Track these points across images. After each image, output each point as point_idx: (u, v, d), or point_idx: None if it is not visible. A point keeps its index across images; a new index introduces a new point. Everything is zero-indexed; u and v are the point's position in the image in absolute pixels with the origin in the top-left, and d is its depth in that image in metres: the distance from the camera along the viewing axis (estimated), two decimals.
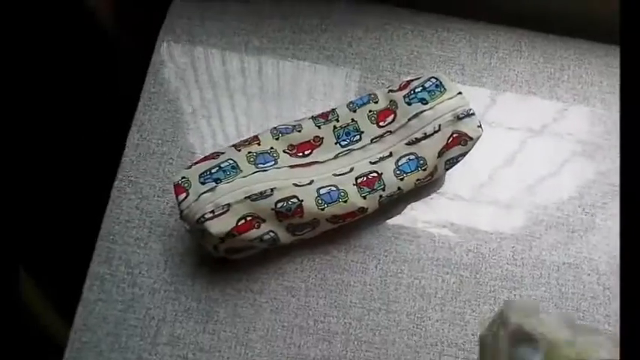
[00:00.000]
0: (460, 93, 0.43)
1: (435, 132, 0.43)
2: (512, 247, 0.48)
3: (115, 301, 0.45)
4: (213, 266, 0.46)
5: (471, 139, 0.44)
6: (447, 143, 0.44)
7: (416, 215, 0.49)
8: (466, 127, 0.43)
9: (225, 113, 0.51)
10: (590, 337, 0.30)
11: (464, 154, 0.45)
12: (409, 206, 0.49)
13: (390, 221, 0.48)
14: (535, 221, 0.49)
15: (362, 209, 0.43)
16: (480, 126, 0.44)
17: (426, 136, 0.43)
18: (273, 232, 0.42)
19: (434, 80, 0.44)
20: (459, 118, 0.43)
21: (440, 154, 0.44)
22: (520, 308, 0.33)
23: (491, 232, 0.49)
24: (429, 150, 0.43)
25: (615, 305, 0.47)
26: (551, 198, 0.50)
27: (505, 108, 0.53)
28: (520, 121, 0.52)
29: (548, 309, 0.47)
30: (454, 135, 0.44)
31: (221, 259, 0.45)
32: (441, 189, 0.50)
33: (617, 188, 0.50)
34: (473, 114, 0.43)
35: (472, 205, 0.50)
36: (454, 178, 0.50)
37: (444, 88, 0.43)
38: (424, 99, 0.43)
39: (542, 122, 0.52)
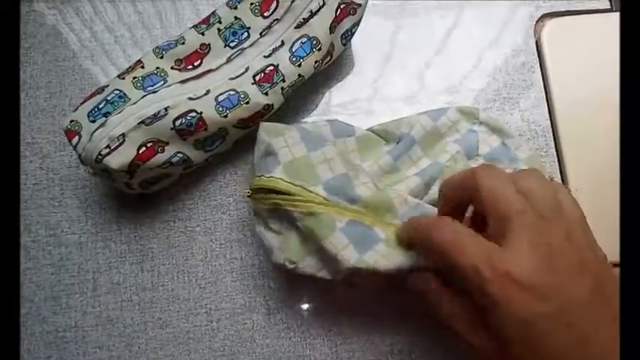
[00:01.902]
0: None
1: (321, 7, 0.41)
2: None
3: (45, 265, 0.43)
4: (135, 205, 0.44)
5: (359, 5, 0.42)
6: (336, 16, 0.41)
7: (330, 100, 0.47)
8: None
9: (109, 48, 0.47)
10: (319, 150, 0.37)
11: (357, 24, 0.43)
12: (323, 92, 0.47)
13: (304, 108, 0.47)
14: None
15: (267, 106, 0.41)
16: None
17: (312, 14, 0.41)
18: (181, 152, 0.40)
19: None
20: None
21: (332, 29, 0.41)
22: (270, 129, 0.38)
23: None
24: (319, 28, 0.41)
25: None
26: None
27: None
28: None
29: None
30: (341, 6, 0.41)
31: (141, 196, 0.43)
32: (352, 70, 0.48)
33: None
34: None
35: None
36: (360, 57, 0.48)
37: None
38: None
39: None
